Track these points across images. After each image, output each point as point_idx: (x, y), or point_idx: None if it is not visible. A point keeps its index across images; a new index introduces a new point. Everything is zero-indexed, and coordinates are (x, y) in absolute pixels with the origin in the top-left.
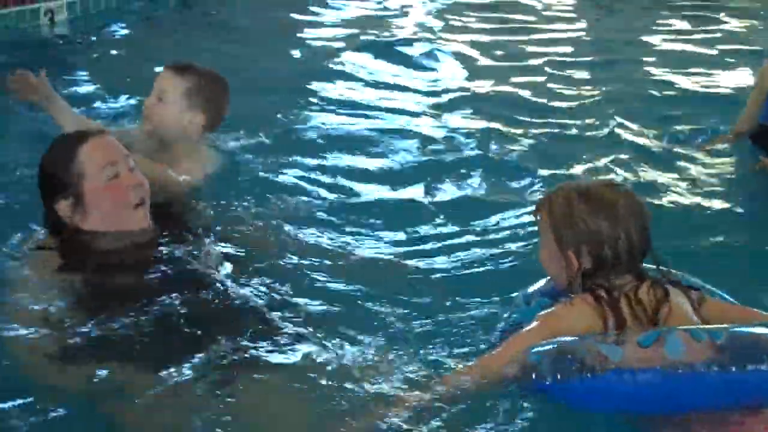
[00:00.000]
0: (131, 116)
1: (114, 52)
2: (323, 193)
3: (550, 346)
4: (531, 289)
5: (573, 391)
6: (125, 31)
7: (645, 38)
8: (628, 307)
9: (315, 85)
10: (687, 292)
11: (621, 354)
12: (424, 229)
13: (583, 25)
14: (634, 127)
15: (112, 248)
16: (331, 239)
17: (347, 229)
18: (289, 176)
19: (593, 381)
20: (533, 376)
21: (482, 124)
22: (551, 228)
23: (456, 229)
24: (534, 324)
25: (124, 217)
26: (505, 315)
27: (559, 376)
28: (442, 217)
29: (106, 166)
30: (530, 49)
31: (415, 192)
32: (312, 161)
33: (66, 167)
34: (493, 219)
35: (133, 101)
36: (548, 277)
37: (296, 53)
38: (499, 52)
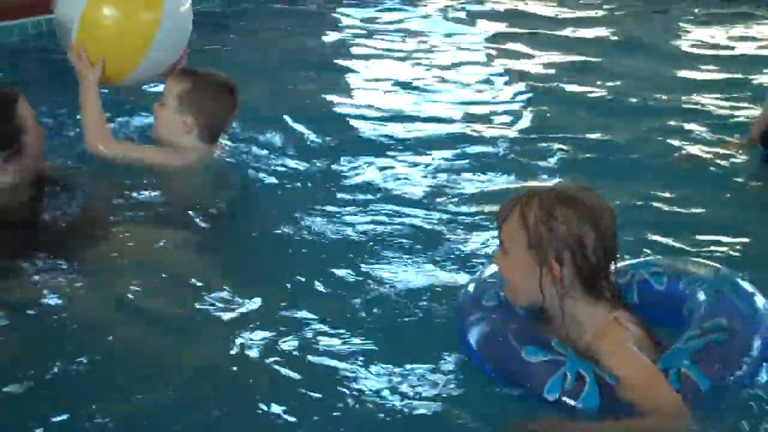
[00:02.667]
0: None
1: None
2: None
3: None
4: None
5: None
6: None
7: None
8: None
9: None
10: None
11: None
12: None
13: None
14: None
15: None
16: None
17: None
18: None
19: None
20: None
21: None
22: (526, 235)
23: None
24: (636, 363)
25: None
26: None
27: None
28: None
29: (35, 119)
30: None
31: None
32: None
33: (7, 123)
34: None
35: None
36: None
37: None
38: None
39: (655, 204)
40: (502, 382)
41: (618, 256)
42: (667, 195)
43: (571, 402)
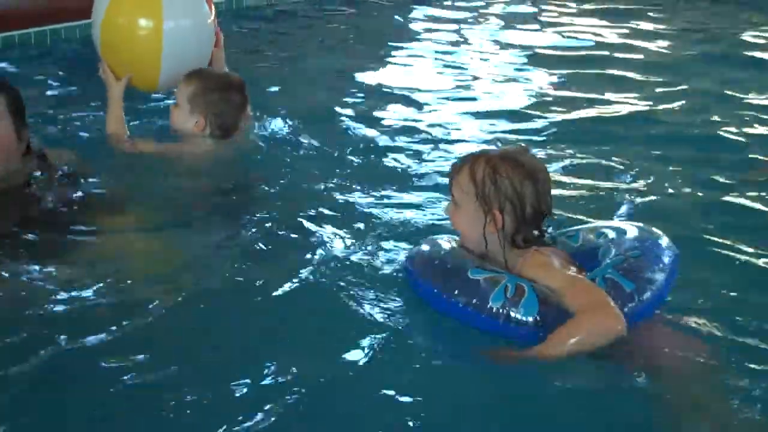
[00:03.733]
0: None
1: None
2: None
3: None
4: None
5: None
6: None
7: None
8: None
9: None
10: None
11: None
12: None
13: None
14: None
15: None
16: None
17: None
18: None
19: None
20: None
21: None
22: (474, 188)
23: None
24: (558, 270)
25: None
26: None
27: None
28: None
29: None
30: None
31: None
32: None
33: None
34: None
35: None
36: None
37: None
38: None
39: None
40: (447, 311)
41: (550, 211)
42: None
43: (513, 310)
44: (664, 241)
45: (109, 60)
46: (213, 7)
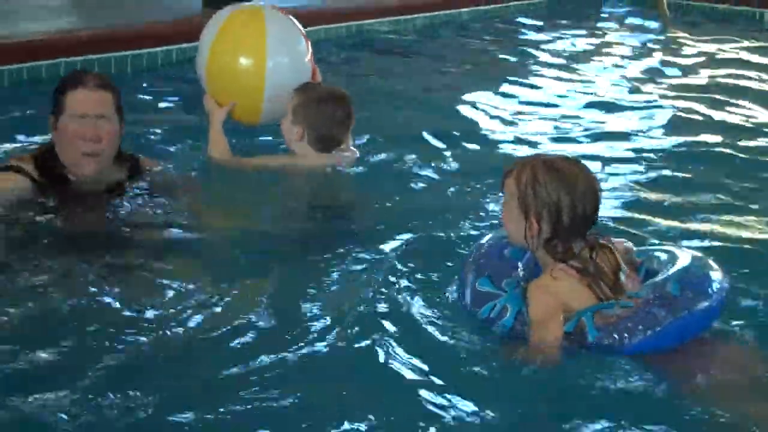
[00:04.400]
0: None
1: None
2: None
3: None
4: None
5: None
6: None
7: None
8: (598, 276)
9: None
10: (614, 246)
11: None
12: None
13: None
14: None
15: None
16: None
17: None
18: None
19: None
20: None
21: None
22: (517, 194)
23: None
24: (540, 306)
25: (73, 159)
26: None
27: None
28: None
29: (75, 114)
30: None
31: None
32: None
33: (59, 94)
34: None
35: None
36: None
37: None
38: None
39: None
40: (462, 304)
41: (595, 221)
42: None
43: (493, 325)
44: (681, 302)
45: (212, 91)
46: (309, 43)
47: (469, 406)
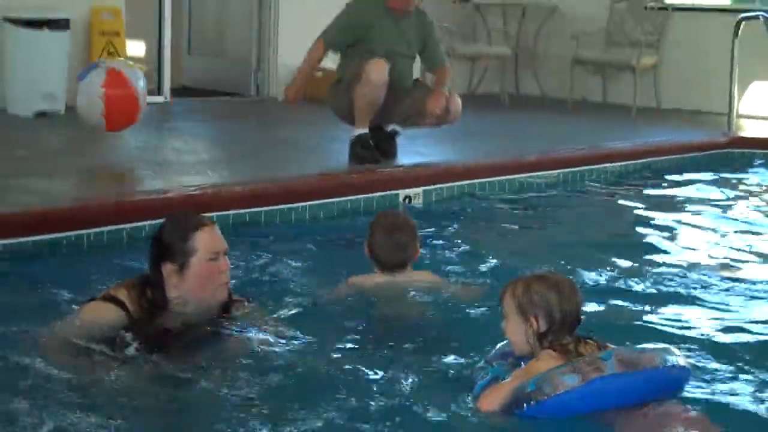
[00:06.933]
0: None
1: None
2: None
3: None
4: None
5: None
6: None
7: None
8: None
9: None
10: (601, 344)
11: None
12: None
13: None
14: None
15: (187, 312)
16: None
17: None
18: None
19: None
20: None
21: None
22: (515, 303)
23: None
24: (513, 376)
25: (211, 290)
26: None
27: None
28: None
29: (211, 252)
30: None
31: None
32: None
33: (182, 242)
34: None
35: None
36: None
37: None
38: None
39: None
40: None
41: (579, 318)
42: None
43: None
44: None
45: None
46: None
47: None
